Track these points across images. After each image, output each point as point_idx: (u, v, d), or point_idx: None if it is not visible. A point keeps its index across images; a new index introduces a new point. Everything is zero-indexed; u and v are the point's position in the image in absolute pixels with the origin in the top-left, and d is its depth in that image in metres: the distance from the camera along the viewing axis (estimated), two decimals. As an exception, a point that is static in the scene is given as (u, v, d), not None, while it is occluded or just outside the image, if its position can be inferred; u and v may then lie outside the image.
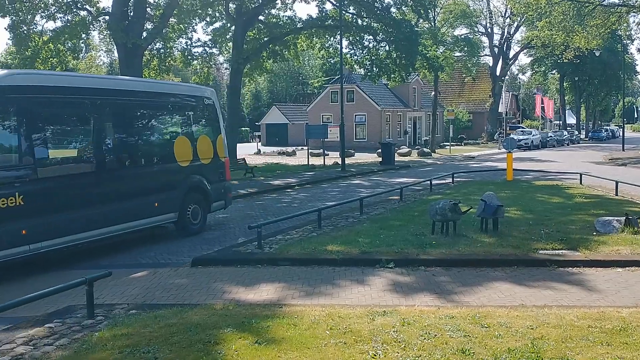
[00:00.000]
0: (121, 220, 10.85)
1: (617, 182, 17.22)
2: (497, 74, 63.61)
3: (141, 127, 12.24)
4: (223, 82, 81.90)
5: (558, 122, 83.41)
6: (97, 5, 27.82)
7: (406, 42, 32.18)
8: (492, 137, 60.66)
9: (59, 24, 27.61)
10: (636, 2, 35.08)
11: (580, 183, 20.10)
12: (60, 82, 10.40)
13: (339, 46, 32.43)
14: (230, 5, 32.43)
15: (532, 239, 10.31)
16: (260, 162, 34.20)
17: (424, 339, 5.68)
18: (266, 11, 34.76)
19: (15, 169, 9.07)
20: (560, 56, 53.10)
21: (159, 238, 12.49)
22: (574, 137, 64.76)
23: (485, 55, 64.89)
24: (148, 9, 27.39)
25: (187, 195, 12.52)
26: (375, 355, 5.30)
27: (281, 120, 65.60)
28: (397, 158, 35.65)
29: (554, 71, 77.26)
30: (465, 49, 52.15)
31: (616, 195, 16.74)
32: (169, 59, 31.65)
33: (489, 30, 64.21)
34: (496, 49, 64.02)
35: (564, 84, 79.28)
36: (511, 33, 64.98)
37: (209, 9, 31.94)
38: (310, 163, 32.15)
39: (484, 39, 63.78)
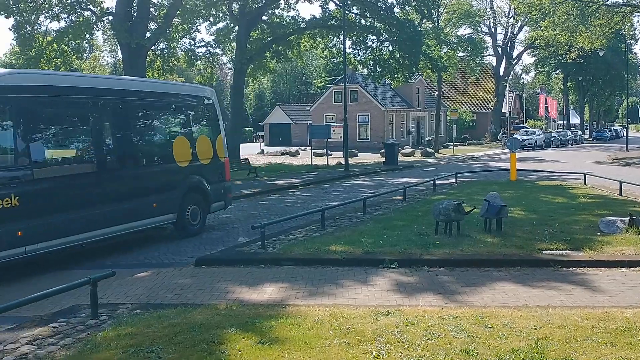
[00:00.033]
0: (119, 221, 10.73)
1: (621, 182, 17.18)
2: (501, 74, 63.55)
3: (139, 127, 12.09)
4: (226, 82, 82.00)
5: (562, 122, 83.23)
6: (101, 5, 27.85)
7: (409, 42, 32.15)
8: (496, 137, 60.59)
9: (62, 24, 27.73)
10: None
11: (584, 183, 20.06)
12: (57, 81, 10.31)
13: (342, 46, 32.40)
14: (234, 5, 32.43)
15: (535, 239, 10.29)
16: (263, 162, 34.22)
17: (428, 339, 5.68)
18: (269, 11, 34.76)
19: (11, 170, 8.94)
20: (563, 56, 53.01)
21: (162, 238, 12.51)
22: (578, 137, 64.60)
23: (489, 55, 64.81)
24: (152, 9, 27.43)
25: (186, 195, 12.41)
26: (378, 356, 5.30)
27: (284, 121, 65.60)
28: (400, 158, 35.63)
29: (558, 71, 77.10)
30: (469, 49, 52.08)
31: (620, 195, 16.71)
32: (173, 59, 31.69)
33: (493, 30, 64.18)
34: (500, 49, 63.93)
35: (568, 84, 79.08)
36: (515, 33, 64.95)
37: (212, 9, 31.99)
38: (313, 163, 32.16)
39: (488, 38, 63.77)
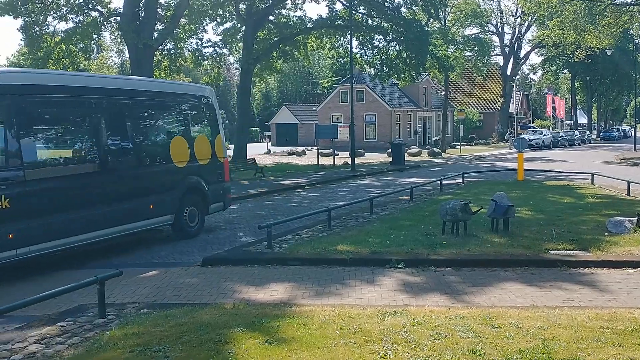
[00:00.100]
0: (114, 223, 10.51)
1: (629, 182, 17.10)
2: (508, 73, 63.34)
3: (134, 127, 11.82)
4: (233, 83, 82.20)
5: (569, 121, 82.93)
6: (109, 6, 28.02)
7: (416, 42, 32.10)
8: (503, 137, 60.41)
9: (70, 24, 27.92)
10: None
11: (592, 183, 19.97)
12: (53, 80, 10.09)
13: (349, 46, 32.42)
14: (241, 5, 32.50)
15: (543, 239, 10.26)
16: (270, 162, 34.24)
17: (435, 339, 5.67)
18: (276, 11, 34.80)
19: (1, 170, 8.69)
20: (571, 56, 52.86)
21: (169, 238, 12.52)
22: (586, 137, 64.35)
23: (496, 54, 64.63)
24: (159, 10, 27.52)
25: (184, 197, 12.17)
26: (385, 356, 5.30)
27: (291, 120, 65.66)
28: (407, 158, 35.57)
29: (565, 71, 76.82)
30: (476, 48, 51.95)
31: (628, 195, 16.63)
32: (180, 59, 31.78)
33: (500, 29, 63.95)
34: (507, 49, 63.72)
35: (576, 84, 78.80)
36: (522, 32, 64.69)
37: (219, 9, 32.07)
38: (320, 163, 32.15)
39: (495, 38, 63.53)
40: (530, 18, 58.45)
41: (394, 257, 9.27)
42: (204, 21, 31.83)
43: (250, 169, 26.60)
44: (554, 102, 72.17)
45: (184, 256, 10.79)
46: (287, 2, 34.41)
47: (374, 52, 35.36)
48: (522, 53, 66.83)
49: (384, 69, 34.70)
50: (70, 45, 28.30)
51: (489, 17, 60.57)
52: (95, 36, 29.03)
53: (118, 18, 27.39)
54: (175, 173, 12.10)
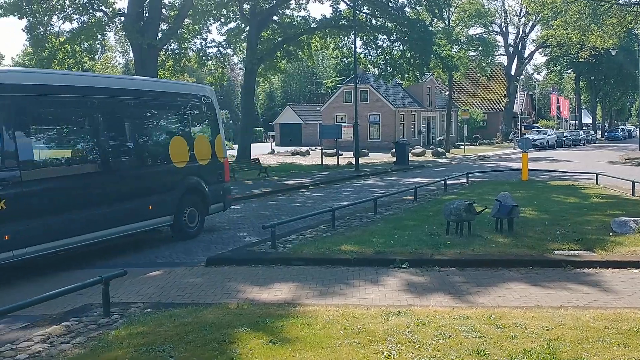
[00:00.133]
0: (112, 224, 10.40)
1: (633, 183, 17.04)
2: (512, 73, 63.27)
3: (134, 127, 11.75)
4: (237, 83, 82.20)
5: (574, 121, 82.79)
6: (113, 6, 28.08)
7: (420, 42, 32.08)
8: (507, 137, 60.34)
9: (75, 25, 27.98)
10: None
11: (597, 183, 19.92)
12: (50, 80, 9.99)
13: (352, 46, 32.43)
14: (245, 5, 32.51)
15: (547, 240, 10.24)
16: (274, 162, 34.27)
17: (439, 339, 5.67)
18: (280, 11, 34.81)
19: None
20: (575, 55, 52.70)
21: (173, 238, 12.52)
22: (590, 136, 64.23)
23: (500, 54, 64.56)
24: (163, 10, 27.57)
25: (183, 197, 12.06)
26: (389, 356, 5.29)
27: (295, 120, 65.70)
28: (411, 158, 35.58)
29: (570, 70, 76.66)
30: (480, 48, 51.89)
31: (633, 195, 16.57)
32: (184, 59, 31.83)
33: (504, 29, 63.89)
34: (511, 49, 63.66)
35: (580, 84, 78.64)
36: (526, 32, 64.65)
37: (223, 9, 32.07)
38: (324, 163, 32.17)
39: (499, 38, 63.51)
40: (534, 18, 58.36)
41: (398, 257, 9.26)
42: (208, 21, 31.85)
43: (254, 169, 26.64)
44: (558, 102, 72.17)
45: (188, 256, 10.80)
46: (291, 2, 34.45)
47: (378, 52, 35.36)
48: (526, 53, 66.82)
49: (388, 68, 34.69)
50: (75, 46, 28.36)
51: (493, 16, 60.52)
52: (99, 36, 29.08)
53: (122, 18, 27.47)
54: (174, 173, 12.00)
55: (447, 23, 45.71)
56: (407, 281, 8.26)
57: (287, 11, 35.53)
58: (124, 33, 28.03)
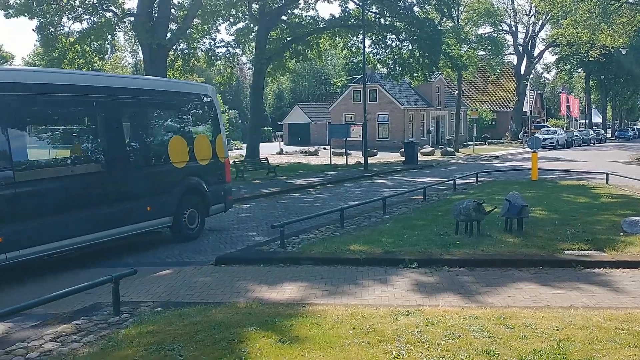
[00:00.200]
0: (109, 225, 10.20)
1: (644, 182, 16.96)
2: (522, 72, 63.03)
3: (132, 126, 11.60)
4: (246, 82, 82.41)
5: (584, 121, 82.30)
6: (123, 6, 28.24)
7: (429, 41, 32.02)
8: (517, 136, 60.09)
9: (85, 25, 28.19)
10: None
11: (607, 183, 19.81)
12: (47, 79, 9.80)
13: (361, 45, 32.39)
14: (254, 5, 32.58)
15: (557, 239, 10.19)
16: (282, 161, 34.30)
17: (448, 339, 5.66)
18: (289, 11, 34.84)
19: None
20: (585, 54, 52.38)
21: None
22: (600, 136, 63.81)
23: (510, 53, 64.37)
24: (172, 10, 27.67)
25: (183, 198, 11.86)
26: (398, 355, 5.29)
27: (304, 120, 65.74)
28: (420, 157, 35.50)
29: (580, 70, 76.18)
30: (489, 47, 51.69)
31: (644, 195, 16.49)
32: (193, 59, 31.94)
33: (514, 28, 63.67)
34: (520, 48, 63.41)
35: (590, 83, 78.18)
36: (536, 31, 64.37)
37: (232, 9, 32.15)
38: (332, 162, 32.15)
39: (508, 37, 63.31)
40: (544, 17, 58.14)
41: (407, 256, 9.25)
42: (217, 21, 31.92)
43: (262, 168, 26.69)
44: (568, 101, 71.68)
45: (197, 255, 10.84)
46: (299, 1, 34.46)
47: (387, 51, 35.30)
48: (536, 52, 66.57)
49: (397, 68, 34.63)
50: (85, 46, 28.54)
51: (503, 16, 60.34)
52: (109, 36, 29.23)
53: (132, 18, 27.61)
54: (174, 174, 11.80)
55: (456, 22, 45.60)
56: (416, 281, 8.25)
57: (296, 11, 35.58)
58: (134, 33, 28.15)
